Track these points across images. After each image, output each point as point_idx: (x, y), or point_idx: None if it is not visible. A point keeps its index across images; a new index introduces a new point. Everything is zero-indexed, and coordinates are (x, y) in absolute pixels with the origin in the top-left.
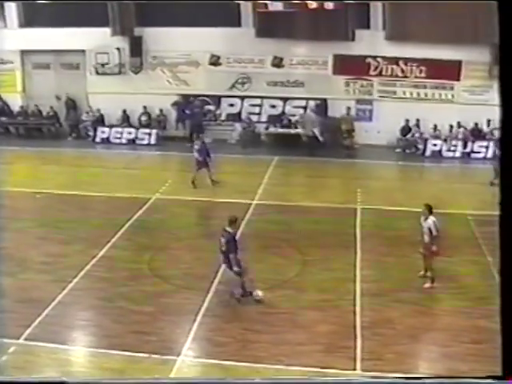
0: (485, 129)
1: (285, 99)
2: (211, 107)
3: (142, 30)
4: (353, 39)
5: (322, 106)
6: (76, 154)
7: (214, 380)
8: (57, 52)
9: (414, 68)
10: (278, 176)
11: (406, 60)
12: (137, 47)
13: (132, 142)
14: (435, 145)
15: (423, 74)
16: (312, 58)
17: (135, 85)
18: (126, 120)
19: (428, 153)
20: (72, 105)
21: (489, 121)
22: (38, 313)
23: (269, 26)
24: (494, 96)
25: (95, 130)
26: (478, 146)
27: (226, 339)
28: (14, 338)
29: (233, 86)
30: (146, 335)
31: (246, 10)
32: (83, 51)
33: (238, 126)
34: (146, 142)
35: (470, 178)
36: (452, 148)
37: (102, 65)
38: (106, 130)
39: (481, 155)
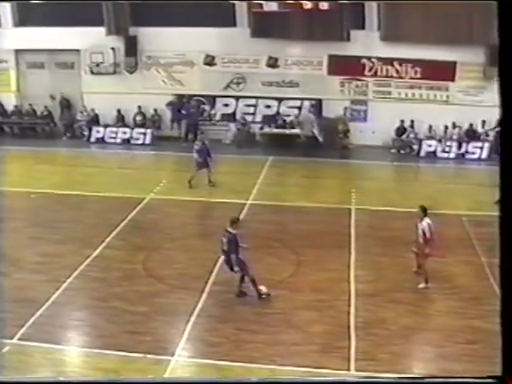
0: (479, 129)
1: (280, 99)
2: (206, 107)
3: (136, 29)
4: (348, 39)
5: (317, 107)
6: (70, 153)
7: (209, 380)
8: (51, 51)
9: (408, 69)
10: (273, 176)
11: (401, 61)
12: (132, 47)
13: (127, 142)
14: (430, 145)
15: (418, 75)
16: (307, 59)
17: (130, 84)
18: (120, 120)
19: (423, 153)
20: (66, 104)
21: (483, 122)
22: (31, 313)
23: (264, 26)
24: (488, 97)
25: (90, 130)
26: (473, 146)
27: (221, 339)
28: (7, 337)
29: (228, 86)
30: (141, 335)
31: (241, 10)
32: (78, 51)
33: (233, 126)
34: (140, 141)
35: (465, 178)
36: (447, 149)
37: (97, 64)
38: (101, 129)
39: (475, 156)
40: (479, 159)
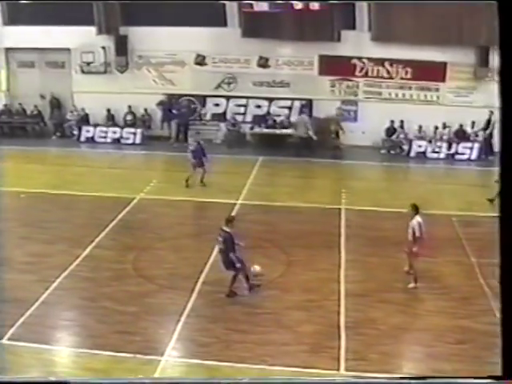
0: (469, 130)
1: (270, 99)
2: (197, 107)
3: (127, 29)
4: (338, 40)
5: (308, 107)
6: (60, 153)
7: (199, 380)
8: (42, 50)
9: (399, 69)
10: (263, 176)
11: (392, 61)
12: (122, 46)
13: (117, 142)
14: (420, 146)
15: (409, 76)
16: (298, 59)
17: (121, 84)
18: (110, 119)
19: (413, 154)
20: (56, 104)
21: (473, 122)
22: (21, 313)
23: (255, 26)
24: (478, 98)
25: (80, 129)
26: (463, 147)
27: (210, 339)
28: None
29: (218, 86)
30: (130, 335)
31: (232, 9)
32: (68, 50)
33: (223, 126)
34: (130, 141)
35: (454, 179)
36: (436, 149)
37: (88, 64)
38: (91, 129)
39: (465, 156)
40: (469, 160)
